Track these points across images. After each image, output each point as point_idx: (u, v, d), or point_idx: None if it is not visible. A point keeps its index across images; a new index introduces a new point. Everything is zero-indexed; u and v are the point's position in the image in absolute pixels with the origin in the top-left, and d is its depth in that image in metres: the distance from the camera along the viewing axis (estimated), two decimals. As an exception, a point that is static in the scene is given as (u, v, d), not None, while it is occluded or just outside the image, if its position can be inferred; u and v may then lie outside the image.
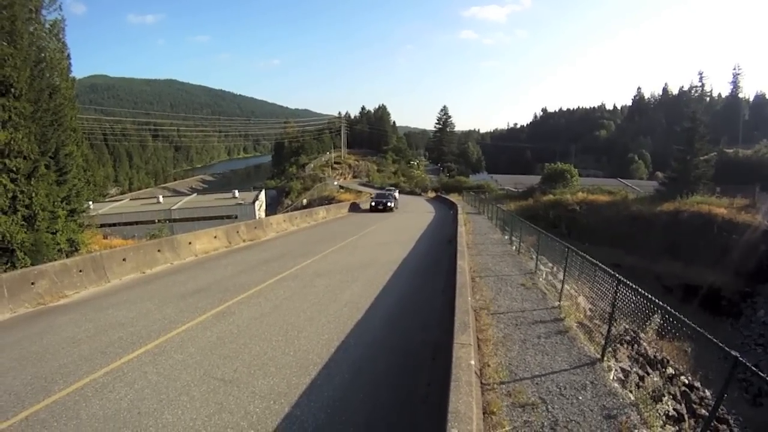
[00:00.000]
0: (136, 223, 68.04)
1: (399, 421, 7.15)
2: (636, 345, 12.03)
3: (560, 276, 14.63)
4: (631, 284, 8.69)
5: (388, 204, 52.41)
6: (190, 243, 21.74)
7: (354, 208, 55.06)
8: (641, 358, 11.42)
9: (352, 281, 16.36)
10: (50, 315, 12.97)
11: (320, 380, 8.27)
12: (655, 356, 12.14)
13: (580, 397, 7.32)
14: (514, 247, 22.17)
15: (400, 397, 7.90)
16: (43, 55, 30.20)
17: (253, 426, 6.73)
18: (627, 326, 11.86)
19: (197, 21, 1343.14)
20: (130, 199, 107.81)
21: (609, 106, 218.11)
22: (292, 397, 7.59)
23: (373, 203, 53.32)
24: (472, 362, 7.32)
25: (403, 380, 8.53)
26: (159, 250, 19.75)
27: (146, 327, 11.30)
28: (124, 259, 17.71)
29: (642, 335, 12.42)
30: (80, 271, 15.88)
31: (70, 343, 10.42)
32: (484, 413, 6.62)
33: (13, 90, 25.77)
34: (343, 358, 9.34)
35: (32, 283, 14.05)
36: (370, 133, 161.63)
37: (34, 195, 27.13)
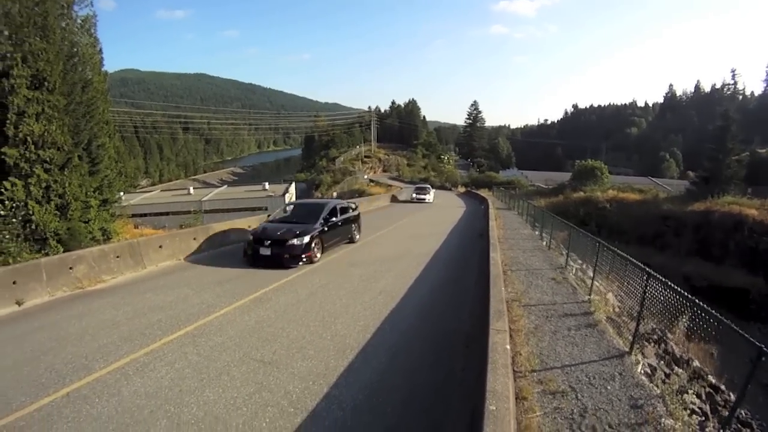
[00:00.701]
0: (167, 213, 68.44)
1: (435, 403, 7.32)
2: (663, 344, 12.06)
3: (590, 273, 14.69)
4: (660, 277, 8.76)
5: (290, 244, 17.06)
6: (224, 232, 22.05)
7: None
8: (668, 356, 11.47)
9: (386, 271, 16.58)
10: (88, 298, 13.33)
11: (357, 363, 8.48)
12: (681, 356, 12.17)
13: (609, 387, 7.46)
14: (544, 243, 22.19)
15: (435, 380, 8.07)
16: (75, 49, 30.83)
17: (293, 404, 6.95)
18: (654, 325, 11.91)
19: (226, 15, 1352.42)
20: (161, 191, 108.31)
21: (640, 103, 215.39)
22: (330, 379, 7.81)
23: (252, 237, 17.97)
24: (508, 347, 7.48)
25: (437, 365, 8.72)
26: (194, 238, 20.10)
27: (185, 311, 11.57)
28: (160, 246, 18.11)
29: (669, 335, 12.45)
30: (117, 257, 16.37)
31: (109, 325, 10.73)
32: (516, 399, 6.74)
33: (46, 83, 26.42)
34: (379, 343, 9.55)
35: (70, 268, 14.50)
36: (400, 127, 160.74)
37: (67, 185, 27.71)
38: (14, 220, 25.41)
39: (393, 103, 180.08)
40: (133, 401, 7.18)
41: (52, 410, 6.96)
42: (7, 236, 25.19)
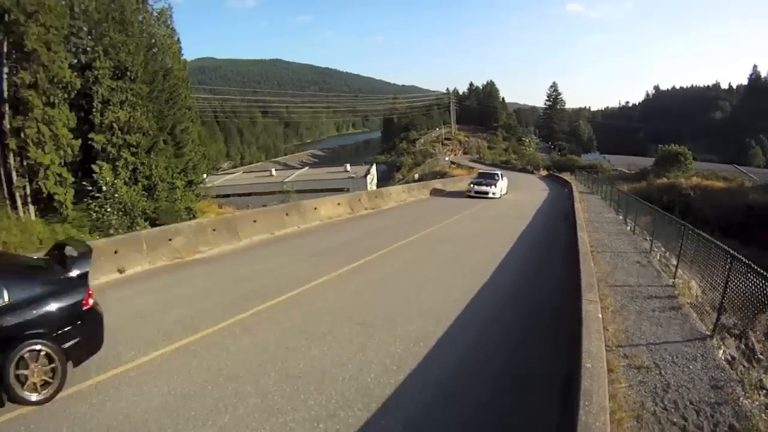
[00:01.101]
0: (250, 194, 70.09)
1: (529, 366, 7.74)
2: (744, 339, 12.01)
3: (673, 260, 14.61)
4: (743, 259, 8.78)
5: None
6: (315, 208, 22.92)
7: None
8: (748, 352, 11.43)
9: (475, 248, 17.07)
10: (188, 267, 14.34)
11: (455, 330, 8.90)
12: (762, 353, 12.12)
13: (691, 367, 7.60)
14: (628, 227, 22.02)
15: (529, 348, 8.49)
16: (153, 40, 33.21)
17: (395, 363, 7.43)
18: (736, 320, 11.88)
19: (298, 1, 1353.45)
20: (243, 172, 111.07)
21: (724, 85, 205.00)
22: (429, 342, 8.24)
23: None
24: (600, 315, 7.87)
25: (530, 334, 9.11)
26: (287, 214, 20.97)
27: (285, 278, 12.30)
28: (254, 221, 18.89)
29: (751, 333, 12.39)
30: (214, 230, 17.22)
31: (212, 290, 11.57)
32: (603, 369, 7.01)
33: (129, 73, 28.66)
34: (474, 312, 9.98)
35: (169, 240, 15.48)
36: (480, 109, 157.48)
37: (153, 167, 29.72)
38: (116, 195, 27.36)
39: (471, 84, 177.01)
40: (242, 356, 7.78)
41: (162, 362, 7.63)
42: (109, 210, 27.20)
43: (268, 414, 6.08)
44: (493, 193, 38.02)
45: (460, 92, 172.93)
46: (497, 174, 42.45)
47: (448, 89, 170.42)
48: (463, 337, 8.65)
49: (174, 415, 6.12)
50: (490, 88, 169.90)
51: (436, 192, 41.36)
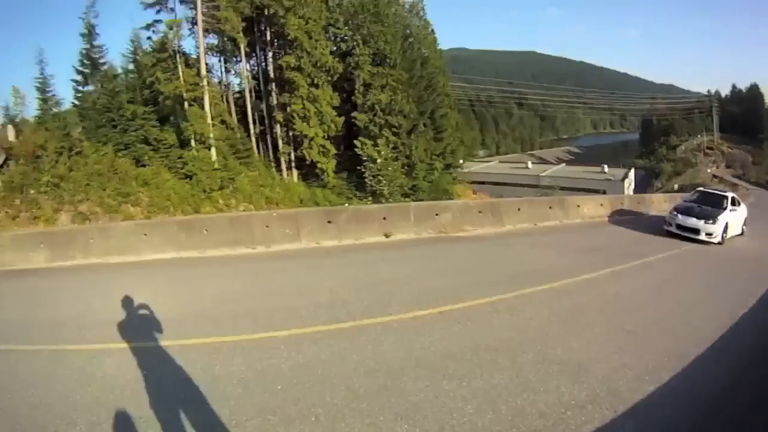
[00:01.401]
0: (504, 184, 70.97)
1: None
2: None
3: None
4: None
5: None
6: (578, 206, 22.95)
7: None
8: None
9: (740, 272, 15.92)
10: (452, 242, 15.40)
11: (710, 353, 8.39)
12: None
13: None
14: None
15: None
16: (408, 31, 35.74)
17: (647, 373, 7.23)
18: None
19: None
20: (499, 162, 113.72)
21: None
22: (685, 360, 7.86)
23: None
24: None
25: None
26: (550, 207, 21.33)
27: (549, 268, 12.87)
28: (518, 209, 19.58)
29: None
30: (480, 212, 18.20)
31: (474, 267, 12.55)
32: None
33: (387, 60, 31.19)
34: (734, 339, 9.25)
35: (436, 214, 16.70)
36: (743, 116, 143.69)
37: (413, 148, 31.74)
38: (389, 168, 29.69)
39: (734, 87, 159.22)
40: (503, 332, 8.36)
41: (424, 322, 8.57)
42: (383, 181, 29.61)
43: (521, 389, 6.41)
44: (708, 234, 20.41)
45: (722, 95, 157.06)
46: (726, 198, 22.71)
47: (708, 91, 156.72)
48: (722, 360, 8.21)
49: (429, 368, 6.84)
50: (754, 93, 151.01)
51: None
